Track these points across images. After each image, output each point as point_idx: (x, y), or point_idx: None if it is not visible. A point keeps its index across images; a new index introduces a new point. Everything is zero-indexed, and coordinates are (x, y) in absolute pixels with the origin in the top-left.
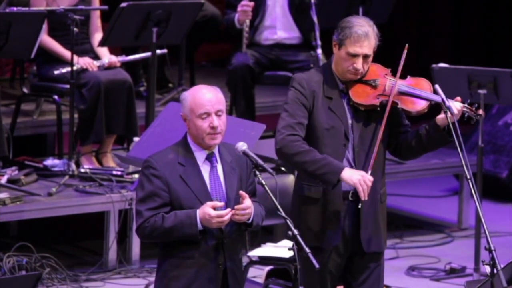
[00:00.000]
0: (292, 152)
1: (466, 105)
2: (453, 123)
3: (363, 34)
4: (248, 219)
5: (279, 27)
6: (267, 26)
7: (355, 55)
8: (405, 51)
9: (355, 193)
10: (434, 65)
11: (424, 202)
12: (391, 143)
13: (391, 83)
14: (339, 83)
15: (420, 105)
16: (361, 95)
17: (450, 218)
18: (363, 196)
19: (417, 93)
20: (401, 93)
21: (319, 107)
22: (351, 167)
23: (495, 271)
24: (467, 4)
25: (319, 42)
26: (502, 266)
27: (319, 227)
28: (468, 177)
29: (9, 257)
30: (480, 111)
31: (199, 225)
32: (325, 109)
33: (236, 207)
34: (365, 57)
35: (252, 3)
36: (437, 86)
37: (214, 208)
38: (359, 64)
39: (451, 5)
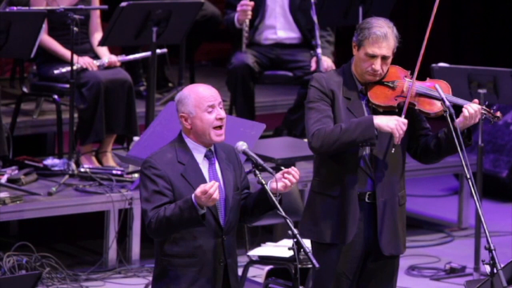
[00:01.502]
0: (321, 140)
1: (484, 107)
2: (453, 122)
3: (382, 35)
4: (279, 196)
5: (279, 27)
6: (267, 26)
7: (373, 56)
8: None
9: (372, 194)
10: (434, 65)
11: (424, 202)
12: (411, 146)
13: (409, 85)
14: (358, 84)
15: (438, 107)
16: (380, 97)
17: (450, 218)
18: (398, 140)
19: (435, 94)
20: (419, 95)
21: (338, 106)
22: (368, 167)
23: (495, 270)
24: (467, 4)
25: (319, 42)
26: (502, 265)
27: (337, 224)
28: (468, 176)
29: (9, 257)
30: (498, 113)
31: (198, 208)
32: (344, 109)
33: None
34: (384, 58)
35: (251, 3)
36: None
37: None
38: (377, 65)
39: (451, 5)
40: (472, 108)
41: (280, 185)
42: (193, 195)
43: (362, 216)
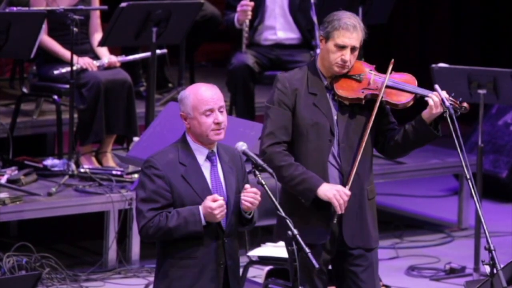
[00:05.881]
0: (273, 164)
1: (450, 97)
2: (453, 122)
3: (352, 25)
4: (250, 214)
5: (279, 28)
6: (267, 26)
7: (343, 47)
8: (391, 66)
9: None
10: (434, 65)
11: (424, 202)
12: (378, 140)
13: (375, 78)
14: (323, 79)
15: (405, 98)
16: (346, 89)
17: (450, 218)
18: (339, 210)
19: (402, 86)
20: (386, 87)
21: (302, 104)
22: (337, 162)
23: (494, 271)
24: (467, 3)
25: (318, 42)
26: (502, 266)
27: (308, 223)
28: (468, 177)
29: (9, 257)
30: (465, 104)
31: (203, 221)
32: (309, 105)
33: (246, 188)
34: (353, 49)
35: (251, 3)
36: (437, 86)
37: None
38: (347, 55)
39: (451, 5)
40: (436, 97)
41: (243, 207)
42: (200, 208)
43: (332, 211)
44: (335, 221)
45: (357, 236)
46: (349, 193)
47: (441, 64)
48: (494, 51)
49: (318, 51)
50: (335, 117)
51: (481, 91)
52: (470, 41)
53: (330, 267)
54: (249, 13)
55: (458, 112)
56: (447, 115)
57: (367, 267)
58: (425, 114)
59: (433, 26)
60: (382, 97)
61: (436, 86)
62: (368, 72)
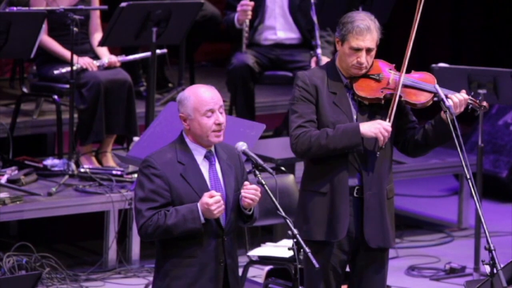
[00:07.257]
0: (307, 145)
1: (470, 97)
2: (453, 122)
3: (365, 27)
4: (250, 210)
5: (279, 28)
6: (267, 26)
7: (358, 49)
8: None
9: (360, 188)
10: (434, 65)
11: (424, 202)
12: (398, 139)
13: (395, 77)
14: (343, 78)
15: (424, 97)
16: (365, 89)
17: (450, 218)
18: (382, 143)
19: (421, 86)
20: (405, 86)
21: (323, 101)
22: (356, 161)
23: (495, 270)
24: (467, 4)
25: (319, 42)
26: (502, 266)
27: (328, 221)
28: (468, 177)
29: (9, 257)
30: (484, 103)
31: (202, 219)
32: (330, 103)
33: (246, 185)
34: (368, 50)
35: (251, 3)
36: (437, 86)
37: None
38: (363, 58)
39: (451, 5)
40: (456, 97)
41: (244, 204)
42: (198, 205)
43: (351, 211)
44: (378, 155)
45: (378, 236)
46: (390, 124)
47: (441, 64)
48: (494, 51)
49: (318, 51)
50: (354, 116)
51: (481, 91)
52: (470, 41)
53: (347, 268)
54: (249, 13)
55: (477, 111)
56: (448, 116)
57: (382, 266)
58: (444, 113)
59: (433, 26)
60: (400, 97)
61: (436, 86)
62: (388, 71)
